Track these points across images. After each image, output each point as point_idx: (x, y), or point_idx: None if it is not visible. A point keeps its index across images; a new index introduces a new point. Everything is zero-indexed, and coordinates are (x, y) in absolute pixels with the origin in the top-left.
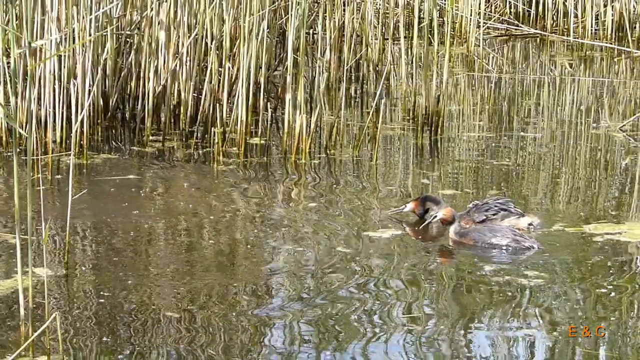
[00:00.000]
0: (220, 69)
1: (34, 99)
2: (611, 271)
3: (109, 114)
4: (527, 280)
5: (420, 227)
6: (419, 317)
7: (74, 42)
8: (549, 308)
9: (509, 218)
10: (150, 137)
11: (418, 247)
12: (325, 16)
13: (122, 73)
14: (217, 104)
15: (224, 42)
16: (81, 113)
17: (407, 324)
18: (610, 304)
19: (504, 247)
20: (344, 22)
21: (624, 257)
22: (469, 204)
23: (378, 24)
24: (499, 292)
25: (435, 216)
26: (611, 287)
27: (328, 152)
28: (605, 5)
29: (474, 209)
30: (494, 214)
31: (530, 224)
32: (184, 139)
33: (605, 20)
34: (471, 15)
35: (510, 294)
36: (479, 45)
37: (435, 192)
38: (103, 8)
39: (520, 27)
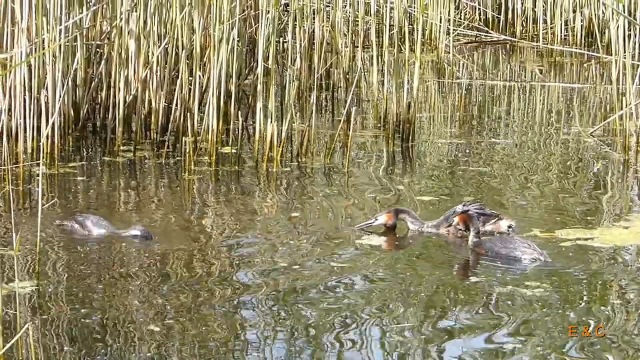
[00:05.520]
0: (190, 78)
1: (5, 109)
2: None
3: (80, 124)
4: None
5: (356, 227)
6: (411, 326)
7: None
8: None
9: (489, 222)
10: (121, 147)
11: (390, 255)
12: (295, 24)
13: (93, 83)
14: (188, 113)
15: (194, 51)
16: (51, 123)
17: (395, 332)
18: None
19: (513, 258)
20: (314, 30)
21: (601, 263)
22: (447, 211)
23: (348, 31)
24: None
25: (377, 219)
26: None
27: (299, 160)
28: (574, 11)
29: (452, 215)
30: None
31: (509, 227)
32: (155, 149)
33: (574, 26)
34: (441, 22)
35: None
36: (449, 52)
37: (408, 198)
38: (73, 18)
39: (490, 33)
